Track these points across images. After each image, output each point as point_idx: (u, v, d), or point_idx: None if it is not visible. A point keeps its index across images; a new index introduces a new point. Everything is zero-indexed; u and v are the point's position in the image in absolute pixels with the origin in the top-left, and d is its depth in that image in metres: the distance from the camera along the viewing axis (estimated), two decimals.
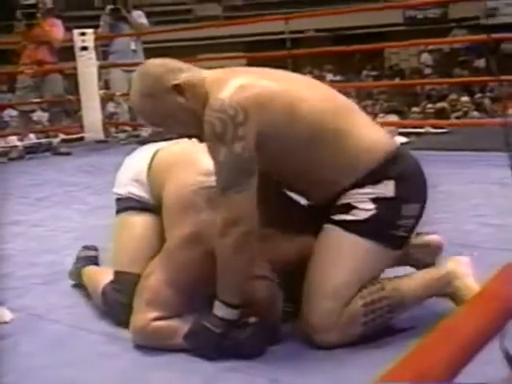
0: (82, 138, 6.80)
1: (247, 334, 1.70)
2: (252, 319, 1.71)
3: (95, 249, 2.43)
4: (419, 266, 2.08)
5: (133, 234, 2.04)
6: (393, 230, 1.75)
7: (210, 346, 1.71)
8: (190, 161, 1.94)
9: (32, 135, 6.73)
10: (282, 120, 1.70)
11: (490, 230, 2.76)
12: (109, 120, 7.50)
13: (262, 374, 1.65)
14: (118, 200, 2.13)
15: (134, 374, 1.71)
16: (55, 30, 6.18)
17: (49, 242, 3.12)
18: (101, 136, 6.77)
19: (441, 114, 8.39)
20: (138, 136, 6.88)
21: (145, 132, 6.90)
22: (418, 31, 14.20)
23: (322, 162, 1.75)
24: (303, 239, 1.86)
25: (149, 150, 2.11)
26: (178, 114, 1.76)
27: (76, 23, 8.50)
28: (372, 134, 1.81)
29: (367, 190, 1.74)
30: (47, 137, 6.67)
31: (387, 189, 1.74)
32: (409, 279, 1.82)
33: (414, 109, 8.33)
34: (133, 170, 2.10)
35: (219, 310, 1.71)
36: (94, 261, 2.36)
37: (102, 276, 2.11)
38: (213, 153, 1.68)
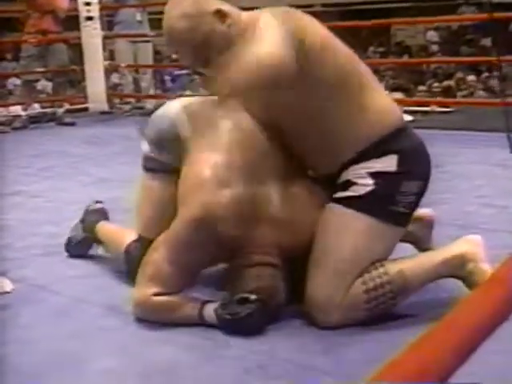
0: (86, 109, 6.79)
1: (247, 309, 1.71)
2: (253, 296, 1.72)
3: (101, 202, 2.44)
4: (416, 242, 2.08)
5: (148, 199, 2.05)
6: (392, 206, 1.75)
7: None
8: (215, 134, 1.83)
9: (36, 105, 6.70)
10: (315, 50, 1.74)
11: (491, 211, 2.76)
12: (113, 91, 7.44)
13: (260, 350, 1.66)
14: (144, 158, 2.08)
15: (134, 347, 1.72)
16: None
17: (50, 213, 3.12)
18: (105, 107, 6.76)
19: (447, 92, 8.37)
20: (142, 108, 6.86)
21: (149, 104, 6.89)
22: (426, 8, 14.07)
23: (336, 115, 1.76)
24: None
25: (175, 105, 1.99)
26: (213, 39, 1.77)
27: None
28: (386, 101, 1.84)
29: (368, 164, 1.74)
30: (51, 107, 6.64)
31: (390, 163, 1.74)
32: (416, 263, 1.79)
33: (421, 87, 8.31)
34: (156, 128, 2.00)
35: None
36: (105, 214, 2.37)
37: (122, 237, 2.12)
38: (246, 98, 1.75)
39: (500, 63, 4.71)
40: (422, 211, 2.03)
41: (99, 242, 2.28)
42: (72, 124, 6.25)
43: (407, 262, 1.79)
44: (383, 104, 1.81)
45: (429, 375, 0.66)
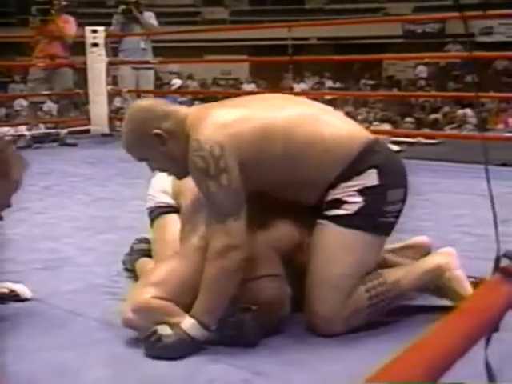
0: (88, 131, 6.95)
1: (248, 318, 1.78)
2: (254, 307, 1.79)
3: (147, 241, 2.47)
4: None
5: (165, 232, 2.20)
6: (382, 218, 1.86)
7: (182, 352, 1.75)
8: None
9: (41, 125, 6.89)
10: (257, 144, 1.81)
11: (471, 239, 2.80)
12: (115, 114, 7.61)
13: (245, 365, 1.69)
14: (151, 212, 2.31)
15: (126, 359, 1.76)
16: (68, 26, 6.38)
17: (51, 229, 3.20)
18: (106, 129, 6.92)
19: (434, 125, 8.65)
20: None
21: None
22: (416, 44, 14.47)
23: (304, 167, 1.85)
24: (299, 225, 1.97)
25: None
26: (159, 158, 1.91)
27: (88, 20, 8.73)
28: (345, 129, 1.91)
29: (353, 182, 1.84)
30: (55, 128, 6.82)
31: (371, 178, 1.84)
32: (406, 273, 1.95)
33: (408, 119, 8.56)
34: (159, 184, 2.30)
35: (192, 329, 1.75)
36: (148, 253, 2.41)
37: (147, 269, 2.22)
38: (202, 188, 1.80)
39: (478, 99, 4.94)
40: (419, 238, 2.24)
41: (136, 276, 2.34)
42: (74, 145, 6.40)
43: (399, 272, 1.94)
44: (346, 129, 1.91)
45: None
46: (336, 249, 1.85)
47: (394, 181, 1.89)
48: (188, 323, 1.76)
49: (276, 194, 1.94)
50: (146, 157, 1.94)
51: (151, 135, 1.87)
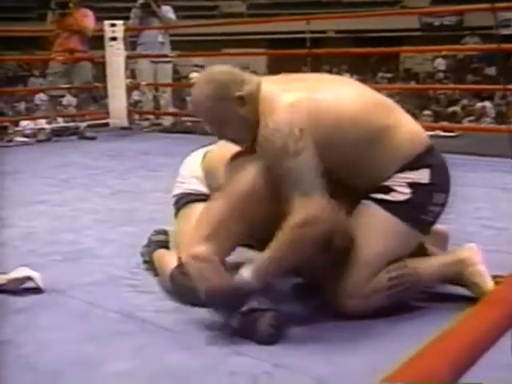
0: (107, 124, 6.97)
1: (265, 319, 1.78)
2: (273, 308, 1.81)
3: (165, 233, 2.50)
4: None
5: (193, 222, 2.14)
6: (423, 215, 1.92)
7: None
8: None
9: (60, 119, 6.92)
10: (333, 131, 1.84)
11: (491, 232, 2.81)
12: (133, 108, 7.66)
13: (266, 358, 1.70)
14: (177, 200, 2.29)
15: (146, 352, 1.76)
16: (87, 20, 6.41)
17: (70, 221, 3.22)
18: (125, 123, 6.94)
19: (452, 117, 8.60)
20: (159, 125, 7.13)
21: (166, 121, 7.20)
22: (434, 37, 14.38)
23: (372, 158, 1.90)
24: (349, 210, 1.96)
25: (198, 154, 2.31)
26: (235, 122, 1.92)
27: (107, 14, 8.78)
28: (412, 127, 1.97)
29: (406, 174, 1.89)
30: (74, 121, 6.87)
31: (423, 175, 1.90)
32: (427, 263, 1.99)
33: (426, 112, 8.52)
34: (188, 170, 2.29)
35: (247, 271, 1.80)
36: (165, 245, 2.44)
37: (169, 260, 2.22)
38: (277, 166, 1.79)
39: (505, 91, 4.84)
40: (438, 227, 2.22)
41: (154, 268, 2.36)
42: (93, 138, 6.44)
43: (420, 261, 1.98)
44: (412, 127, 1.96)
45: None
46: (373, 228, 1.90)
47: (442, 184, 1.95)
48: (243, 273, 1.81)
49: (339, 176, 1.94)
50: (221, 119, 1.93)
51: (233, 97, 1.90)
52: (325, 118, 1.84)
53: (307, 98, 1.86)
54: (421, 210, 1.92)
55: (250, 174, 1.90)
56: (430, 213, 1.93)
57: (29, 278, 2.22)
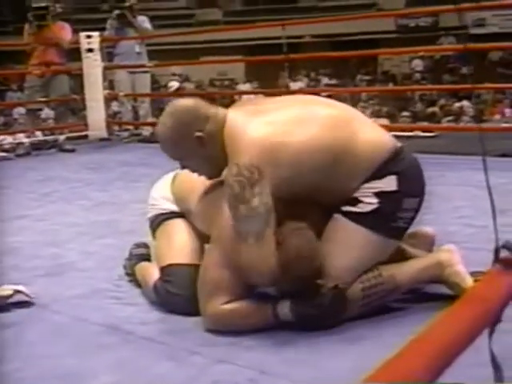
0: (86, 136, 6.95)
1: (326, 299, 1.85)
2: (322, 285, 1.86)
3: (146, 246, 2.53)
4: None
5: (172, 232, 2.23)
6: (393, 222, 1.91)
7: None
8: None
9: (39, 132, 6.87)
10: (299, 160, 1.83)
11: (471, 231, 2.82)
12: (112, 119, 7.67)
13: (250, 365, 1.70)
14: (152, 221, 2.33)
15: (130, 364, 1.76)
16: (64, 32, 6.39)
17: (52, 235, 3.20)
18: (104, 134, 6.94)
19: (431, 118, 8.66)
20: (139, 135, 7.10)
21: (146, 131, 7.17)
22: (410, 38, 14.50)
23: (337, 174, 1.89)
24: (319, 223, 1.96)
25: (167, 177, 2.37)
26: (195, 159, 1.95)
27: (83, 26, 8.74)
28: (374, 136, 1.95)
29: (372, 184, 1.90)
30: (53, 134, 6.83)
31: (390, 183, 1.89)
32: (404, 268, 1.99)
33: (404, 113, 8.58)
34: (159, 192, 2.34)
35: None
36: (147, 258, 2.47)
37: (151, 271, 2.25)
38: (233, 209, 1.82)
39: (475, 91, 4.93)
40: (424, 229, 2.26)
41: (137, 281, 2.37)
42: (72, 151, 6.40)
43: (397, 267, 1.98)
44: (373, 137, 1.94)
45: None
46: (343, 242, 1.90)
47: (411, 189, 1.94)
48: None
49: (305, 197, 1.96)
50: (183, 157, 1.97)
51: (193, 137, 1.91)
52: (289, 149, 1.82)
53: (271, 134, 1.82)
54: (390, 218, 1.91)
55: (229, 218, 1.88)
56: (401, 219, 1.93)
57: (18, 292, 2.22)
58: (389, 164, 1.91)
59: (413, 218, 1.97)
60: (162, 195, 2.33)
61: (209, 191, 2.08)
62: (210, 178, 2.03)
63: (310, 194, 1.94)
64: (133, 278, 2.41)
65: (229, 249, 1.88)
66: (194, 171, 2.02)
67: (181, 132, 1.91)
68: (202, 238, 2.16)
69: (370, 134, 1.95)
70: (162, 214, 2.30)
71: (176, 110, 1.96)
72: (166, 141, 1.96)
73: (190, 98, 2.02)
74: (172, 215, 2.27)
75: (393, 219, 1.92)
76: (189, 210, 2.20)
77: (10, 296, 2.21)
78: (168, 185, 2.33)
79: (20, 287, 2.24)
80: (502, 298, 0.97)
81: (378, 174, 1.90)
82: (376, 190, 1.90)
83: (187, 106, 1.96)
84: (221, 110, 1.97)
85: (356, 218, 1.90)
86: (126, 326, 2.01)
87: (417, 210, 1.96)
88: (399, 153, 1.94)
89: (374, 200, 1.89)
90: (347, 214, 1.92)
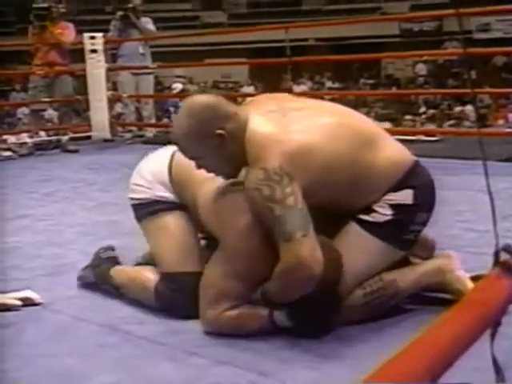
0: (89, 137, 6.96)
1: (321, 303, 1.83)
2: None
3: (113, 249, 2.46)
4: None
5: (172, 235, 2.13)
6: (405, 235, 1.94)
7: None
8: None
9: (42, 133, 6.90)
10: (320, 176, 1.82)
11: (473, 235, 2.83)
12: (116, 120, 7.65)
13: (250, 367, 1.70)
14: (140, 205, 2.19)
15: (130, 364, 1.76)
16: (66, 32, 6.39)
17: (54, 235, 3.20)
18: (107, 135, 6.94)
19: (434, 121, 8.66)
20: (142, 136, 7.10)
21: (149, 133, 7.18)
22: (414, 43, 14.50)
23: (354, 193, 1.91)
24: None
25: (164, 153, 2.19)
26: (214, 159, 1.87)
27: (88, 27, 8.76)
28: (394, 152, 1.96)
29: (389, 196, 1.91)
30: (56, 134, 6.83)
31: (406, 197, 1.91)
32: (405, 274, 1.99)
33: (407, 116, 8.58)
34: (153, 173, 2.17)
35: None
36: (117, 261, 2.40)
37: (148, 276, 2.17)
38: (266, 214, 1.76)
39: (475, 95, 4.90)
40: (424, 235, 2.22)
41: (117, 286, 2.27)
42: (76, 151, 6.40)
43: (398, 273, 1.98)
44: (394, 154, 1.95)
45: None
46: (352, 249, 1.91)
47: (425, 204, 1.97)
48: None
49: (328, 208, 1.94)
50: (201, 155, 1.87)
51: (213, 135, 1.82)
52: (312, 164, 1.80)
53: (301, 143, 1.80)
54: (402, 230, 1.93)
55: (243, 228, 1.85)
56: (412, 232, 1.95)
57: (25, 299, 2.22)
58: (406, 179, 1.93)
59: (420, 231, 1.99)
60: (157, 178, 2.16)
61: (223, 191, 1.95)
62: (227, 178, 1.93)
63: (330, 204, 1.93)
64: (106, 282, 2.32)
65: (246, 261, 1.85)
66: (210, 171, 1.92)
67: (201, 130, 1.83)
68: (201, 230, 2.12)
69: (391, 149, 1.96)
70: (157, 201, 2.14)
71: (193, 109, 1.86)
72: (184, 139, 1.86)
73: (210, 94, 1.94)
74: (171, 206, 2.14)
75: (405, 232, 1.94)
76: (187, 202, 2.11)
77: (16, 306, 2.19)
78: (165, 167, 2.15)
79: (27, 292, 2.24)
80: (502, 301, 0.97)
81: (397, 187, 1.92)
82: (392, 202, 1.91)
83: (207, 102, 1.87)
84: (241, 110, 1.91)
85: (369, 227, 1.92)
86: (126, 327, 2.02)
87: (425, 224, 1.99)
88: (416, 167, 1.97)
89: (389, 212, 1.91)
90: (361, 222, 1.93)
